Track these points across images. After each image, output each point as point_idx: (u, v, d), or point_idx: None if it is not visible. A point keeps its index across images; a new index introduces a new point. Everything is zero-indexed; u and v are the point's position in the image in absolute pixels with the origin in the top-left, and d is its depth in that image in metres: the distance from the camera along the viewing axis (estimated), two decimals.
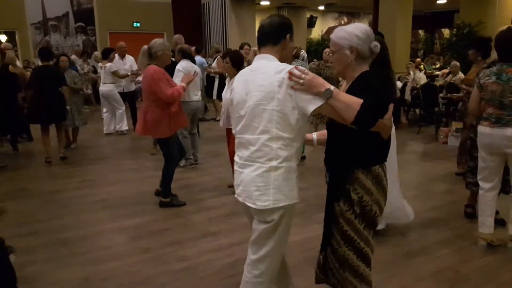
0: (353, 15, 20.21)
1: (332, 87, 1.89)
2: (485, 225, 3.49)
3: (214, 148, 6.97)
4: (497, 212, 3.97)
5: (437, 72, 11.40)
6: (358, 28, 2.08)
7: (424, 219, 4.08)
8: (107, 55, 8.09)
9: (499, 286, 2.96)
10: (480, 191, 3.55)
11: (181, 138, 5.83)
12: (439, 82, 9.20)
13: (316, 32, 19.02)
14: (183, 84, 4.34)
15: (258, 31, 2.14)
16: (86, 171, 5.95)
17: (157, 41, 4.29)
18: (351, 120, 1.87)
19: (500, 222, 3.84)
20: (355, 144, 2.05)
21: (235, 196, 2.19)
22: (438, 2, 16.18)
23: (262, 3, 15.71)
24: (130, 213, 4.34)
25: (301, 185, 5.11)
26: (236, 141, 2.16)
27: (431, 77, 10.35)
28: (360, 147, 2.05)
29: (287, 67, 1.97)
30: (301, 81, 1.90)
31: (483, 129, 3.37)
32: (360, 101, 1.85)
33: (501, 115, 3.26)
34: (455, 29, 11.09)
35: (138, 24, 14.70)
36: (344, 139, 2.08)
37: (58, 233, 3.88)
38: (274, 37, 2.09)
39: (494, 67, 3.31)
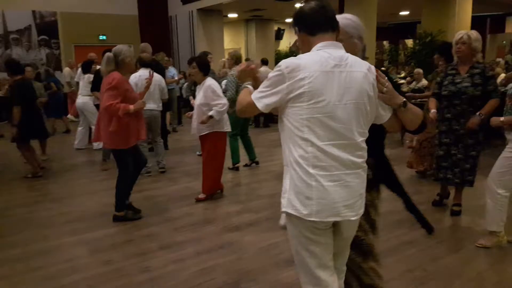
0: None
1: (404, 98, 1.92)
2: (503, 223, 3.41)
3: (182, 158, 6.85)
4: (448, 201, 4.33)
5: (402, 81, 11.68)
6: (357, 18, 2.06)
7: (393, 220, 4.08)
8: (88, 68, 7.68)
9: (465, 283, 2.96)
10: (506, 194, 3.34)
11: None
12: (404, 89, 9.40)
13: (284, 44, 19.24)
14: (131, 106, 3.97)
15: (321, 14, 1.81)
16: (48, 184, 5.70)
17: (122, 48, 4.07)
18: (416, 127, 1.97)
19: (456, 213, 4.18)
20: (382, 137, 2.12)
21: (317, 220, 1.75)
22: (400, 13, 16.73)
23: (230, 15, 15.78)
24: (92, 226, 4.16)
25: (270, 192, 5.10)
26: (315, 148, 1.72)
27: (396, 86, 10.56)
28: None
29: (370, 65, 1.83)
30: (385, 89, 1.82)
31: None
32: (421, 110, 1.96)
33: None
34: (417, 39, 11.40)
35: (104, 37, 14.45)
36: (379, 134, 2.10)
37: (14, 249, 3.66)
38: (336, 23, 1.85)
39: None
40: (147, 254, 3.52)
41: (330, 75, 1.71)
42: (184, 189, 5.31)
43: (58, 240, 3.85)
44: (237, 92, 5.66)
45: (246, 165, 6.25)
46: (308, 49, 1.84)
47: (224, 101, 4.52)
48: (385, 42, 20.55)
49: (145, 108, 5.47)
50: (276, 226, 3.89)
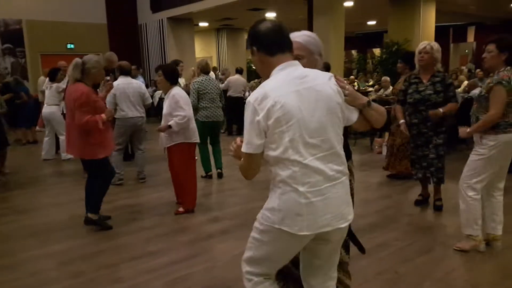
0: None
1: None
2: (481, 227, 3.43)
3: (153, 167, 6.74)
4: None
5: (370, 89, 11.99)
6: (316, 35, 2.16)
7: (365, 224, 4.16)
8: (54, 76, 7.48)
9: (434, 283, 3.04)
10: (476, 197, 3.37)
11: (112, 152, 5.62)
12: (372, 97, 9.63)
13: None
14: (103, 116, 3.96)
15: (279, 34, 1.85)
16: (14, 196, 5.52)
17: (92, 57, 4.04)
18: (381, 125, 2.06)
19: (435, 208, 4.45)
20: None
21: (308, 233, 1.79)
22: (368, 23, 17.17)
23: (201, 24, 15.80)
24: (61, 237, 4.04)
25: (242, 199, 5.09)
26: (301, 166, 1.75)
27: (364, 93, 10.85)
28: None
29: (330, 74, 1.90)
30: (346, 91, 1.89)
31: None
32: (384, 108, 2.09)
33: None
34: (384, 48, 11.72)
35: (72, 46, 14.18)
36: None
37: None
38: (291, 43, 1.90)
39: (510, 71, 3.15)
40: (119, 265, 3.44)
41: (298, 94, 1.76)
42: (156, 198, 5.24)
43: (25, 253, 3.71)
44: (198, 99, 5.65)
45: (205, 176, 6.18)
46: (267, 70, 1.86)
47: (185, 113, 4.34)
48: (353, 51, 21.02)
49: (127, 116, 5.53)
50: (249, 233, 3.88)
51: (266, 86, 1.79)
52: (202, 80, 5.76)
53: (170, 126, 4.35)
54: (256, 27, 1.88)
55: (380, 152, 7.34)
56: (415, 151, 4.42)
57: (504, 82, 3.12)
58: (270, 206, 1.84)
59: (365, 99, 1.98)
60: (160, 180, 6.01)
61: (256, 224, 1.95)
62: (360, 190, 5.46)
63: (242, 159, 1.87)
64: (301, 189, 1.76)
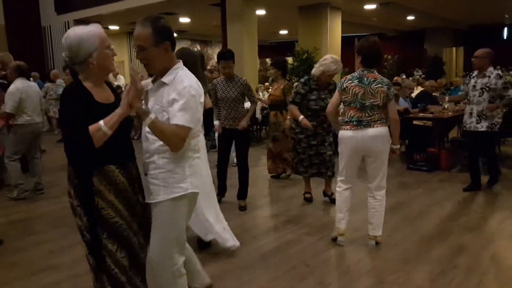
0: (205, 43, 20.87)
1: None
2: (344, 220, 3.62)
3: (57, 176, 6.26)
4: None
5: None
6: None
7: (276, 222, 4.25)
8: None
9: (342, 273, 3.19)
10: (338, 189, 3.63)
11: (8, 161, 5.13)
12: None
13: None
14: None
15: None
16: None
17: None
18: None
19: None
20: None
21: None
22: (280, 32, 17.78)
23: (111, 27, 15.18)
24: None
25: None
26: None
27: None
28: None
29: None
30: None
31: (345, 133, 3.46)
32: None
33: (361, 117, 3.40)
34: (295, 56, 12.17)
35: None
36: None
37: None
38: None
39: (356, 73, 3.51)
40: (13, 282, 3.12)
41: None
42: (60, 209, 4.85)
43: None
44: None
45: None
46: (169, 63, 2.07)
47: None
48: (267, 59, 21.57)
49: (33, 121, 5.14)
50: None
51: (192, 79, 2.05)
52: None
53: None
54: (164, 22, 2.05)
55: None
56: (307, 150, 4.72)
57: (338, 84, 3.58)
58: (180, 176, 2.06)
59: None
60: (60, 191, 5.57)
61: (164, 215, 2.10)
62: (272, 191, 5.58)
63: (159, 128, 1.94)
64: (202, 155, 2.26)
